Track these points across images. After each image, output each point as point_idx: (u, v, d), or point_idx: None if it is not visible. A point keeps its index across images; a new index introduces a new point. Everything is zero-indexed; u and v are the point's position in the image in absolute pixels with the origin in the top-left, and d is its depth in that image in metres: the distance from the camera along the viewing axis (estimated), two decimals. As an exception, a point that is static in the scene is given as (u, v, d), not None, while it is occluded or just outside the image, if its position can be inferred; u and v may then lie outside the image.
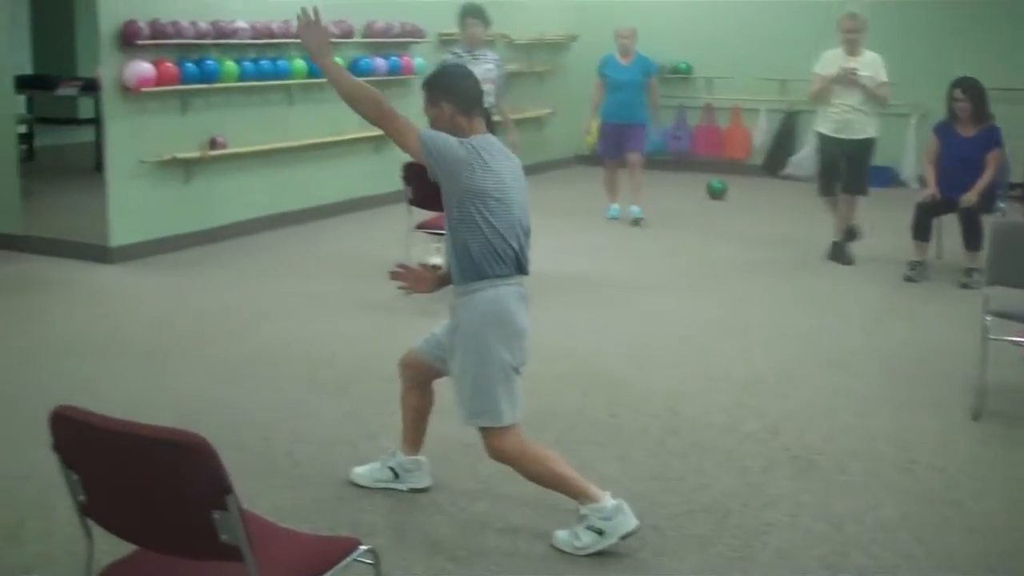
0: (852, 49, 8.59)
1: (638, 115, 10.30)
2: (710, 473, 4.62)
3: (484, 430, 3.95)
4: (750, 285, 7.95)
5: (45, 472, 4.33)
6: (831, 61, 8.62)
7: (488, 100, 8.27)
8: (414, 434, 4.39)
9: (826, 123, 8.71)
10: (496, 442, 3.94)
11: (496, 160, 3.85)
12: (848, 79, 8.41)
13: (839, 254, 8.72)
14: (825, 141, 8.76)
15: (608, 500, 3.93)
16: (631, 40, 10.39)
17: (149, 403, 5.34)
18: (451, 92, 3.96)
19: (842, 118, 8.55)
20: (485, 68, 8.05)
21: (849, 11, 8.63)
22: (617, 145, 10.34)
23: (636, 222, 10.08)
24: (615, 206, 10.43)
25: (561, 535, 3.96)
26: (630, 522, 3.90)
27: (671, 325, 6.87)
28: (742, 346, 6.41)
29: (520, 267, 3.93)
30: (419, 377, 4.26)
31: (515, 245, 3.88)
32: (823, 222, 10.42)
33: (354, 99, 3.95)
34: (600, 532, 3.89)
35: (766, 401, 5.51)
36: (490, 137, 3.97)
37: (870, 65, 8.51)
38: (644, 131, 10.37)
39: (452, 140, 3.83)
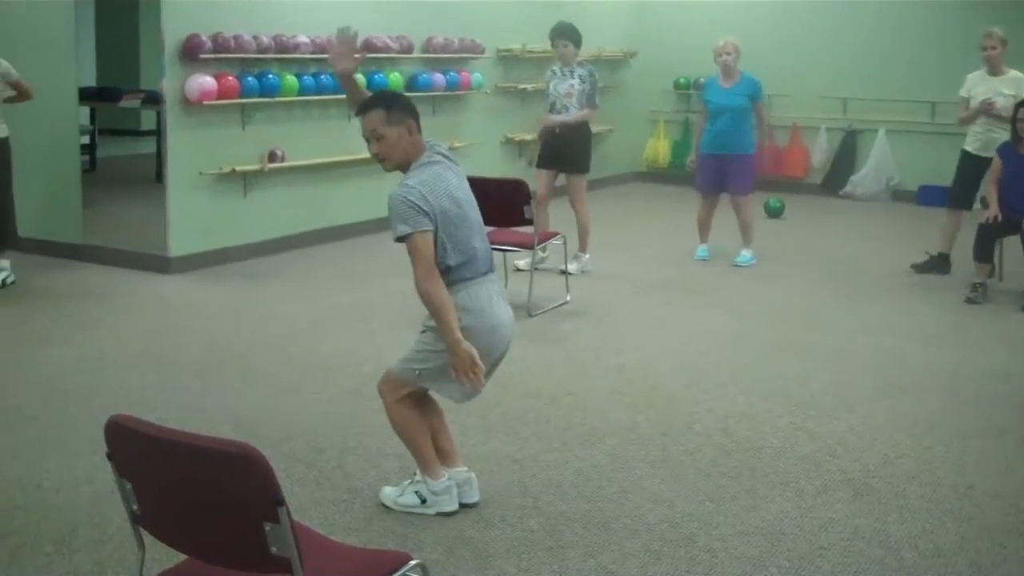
0: (993, 68, 8.61)
1: (741, 145, 9.05)
2: (763, 495, 4.56)
3: (385, 372, 4.31)
4: (807, 305, 7.86)
5: (100, 480, 4.39)
6: (974, 83, 8.69)
7: (569, 112, 8.66)
8: (440, 445, 4.42)
9: (973, 142, 8.75)
10: (390, 386, 4.27)
11: (440, 179, 4.08)
12: (986, 110, 8.48)
13: (944, 265, 8.83)
14: (967, 158, 8.77)
15: (444, 481, 4.29)
16: (733, 57, 9.06)
17: (202, 414, 5.38)
18: (411, 111, 4.13)
19: (986, 136, 8.57)
20: (568, 84, 8.66)
21: (987, 30, 8.66)
22: (716, 180, 9.12)
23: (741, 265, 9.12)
24: (703, 247, 9.37)
25: (388, 490, 4.43)
26: (453, 504, 4.32)
27: (725, 343, 6.81)
28: (798, 367, 6.34)
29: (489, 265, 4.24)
30: (413, 396, 4.33)
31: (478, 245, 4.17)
32: (882, 242, 10.33)
33: (446, 310, 4.10)
34: (423, 501, 4.32)
35: (822, 423, 5.44)
36: (433, 147, 4.20)
37: (1013, 84, 8.50)
38: (750, 165, 9.13)
39: (400, 197, 4.00)
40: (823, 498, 4.55)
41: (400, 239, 4.02)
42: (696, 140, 9.38)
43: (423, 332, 4.25)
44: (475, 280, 4.15)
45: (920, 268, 8.90)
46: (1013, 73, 8.58)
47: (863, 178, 12.95)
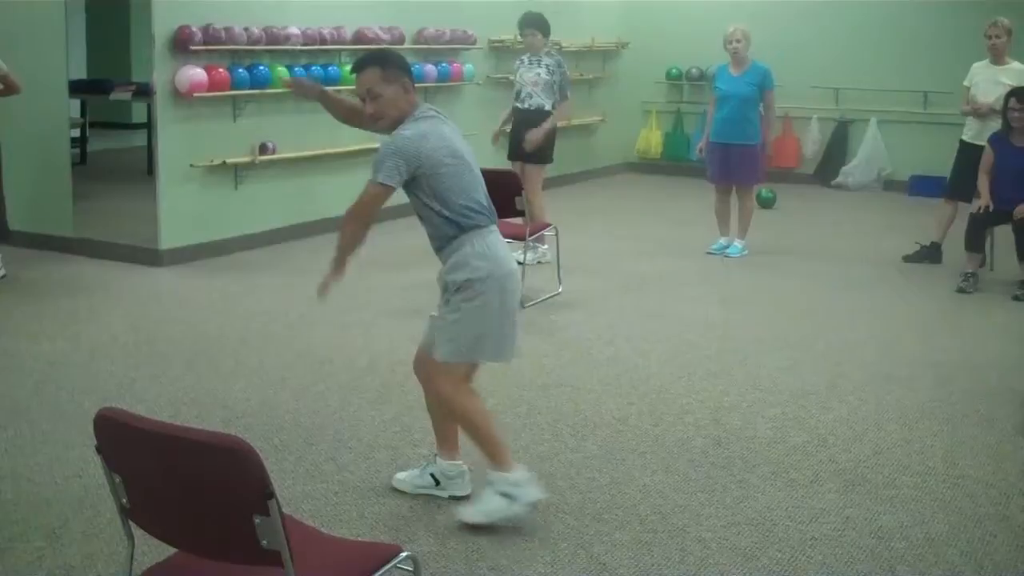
0: (997, 58, 8.64)
1: (747, 135, 8.93)
2: (755, 485, 4.57)
3: (435, 367, 4.16)
4: (798, 295, 7.87)
5: (91, 473, 4.39)
6: (977, 73, 8.71)
7: (533, 101, 8.52)
8: (445, 433, 4.40)
9: (968, 131, 8.79)
10: (442, 379, 4.16)
11: (436, 132, 4.10)
12: (983, 112, 8.51)
13: (935, 254, 8.86)
14: (964, 147, 8.78)
15: (519, 472, 4.16)
16: (743, 45, 8.90)
17: (194, 406, 5.38)
18: (406, 69, 4.18)
19: (982, 123, 8.58)
20: (535, 72, 8.58)
21: (993, 18, 8.69)
22: (724, 169, 9.07)
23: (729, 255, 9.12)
24: (721, 240, 9.25)
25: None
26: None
27: (717, 335, 6.81)
28: (789, 357, 6.34)
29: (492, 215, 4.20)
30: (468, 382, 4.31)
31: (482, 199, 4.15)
32: (873, 232, 10.34)
33: (359, 235, 4.38)
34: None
35: (814, 413, 5.45)
36: (426, 106, 4.23)
37: (1014, 75, 8.51)
38: (756, 155, 9.01)
39: (396, 142, 4.05)
40: (814, 488, 4.55)
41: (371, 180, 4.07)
42: (707, 128, 9.28)
43: (446, 307, 4.14)
44: (487, 228, 4.12)
45: (911, 259, 8.92)
46: (1016, 64, 8.61)
47: (855, 168, 12.96)
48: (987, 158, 8.25)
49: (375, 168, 4.03)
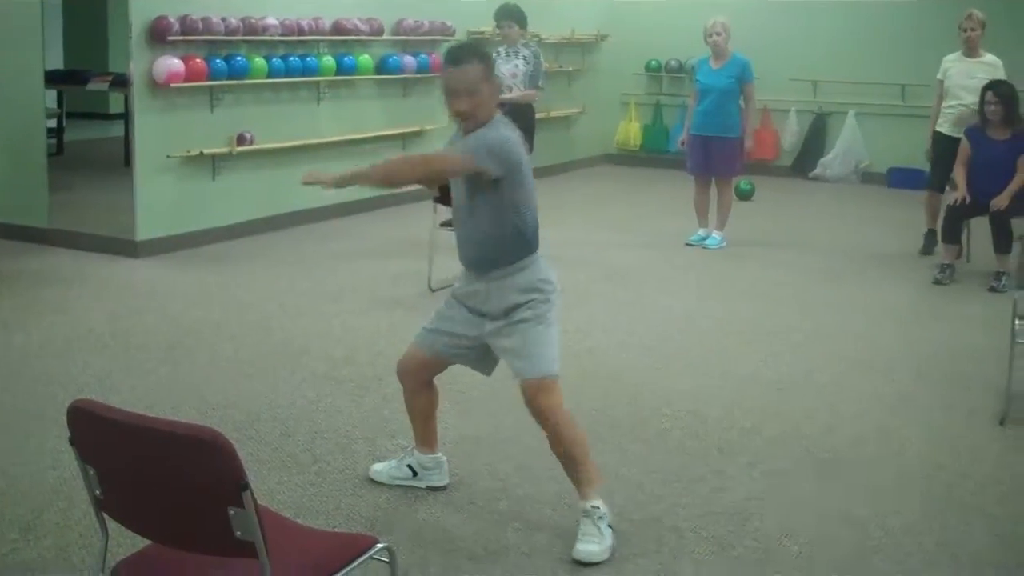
0: (971, 51, 8.66)
1: (727, 127, 8.97)
2: (731, 476, 4.58)
3: (537, 384, 3.90)
4: (776, 287, 7.89)
5: (66, 465, 4.36)
6: (951, 66, 8.74)
7: (512, 93, 8.49)
8: (427, 434, 4.36)
9: (944, 123, 8.78)
10: (548, 395, 3.91)
11: (519, 138, 3.93)
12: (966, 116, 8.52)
13: (932, 241, 8.88)
14: (941, 139, 8.79)
15: (596, 500, 3.97)
16: (723, 37, 8.95)
17: (170, 397, 5.36)
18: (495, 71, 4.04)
19: (957, 115, 8.61)
20: (513, 64, 8.55)
21: (968, 11, 8.71)
22: (704, 161, 9.10)
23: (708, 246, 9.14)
24: (700, 232, 9.28)
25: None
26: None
27: (696, 326, 6.82)
28: (767, 348, 6.36)
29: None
30: (424, 376, 4.24)
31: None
32: (852, 224, 10.39)
33: (411, 177, 4.08)
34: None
35: (791, 403, 5.46)
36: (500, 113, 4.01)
37: (988, 68, 8.53)
38: (736, 148, 9.04)
39: (500, 135, 3.83)
40: (791, 478, 4.57)
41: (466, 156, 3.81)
42: (687, 121, 9.32)
43: (517, 324, 3.90)
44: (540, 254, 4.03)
45: (924, 250, 8.92)
46: (989, 57, 8.63)
47: (833, 160, 13.00)
48: (964, 150, 8.28)
49: (472, 151, 3.78)
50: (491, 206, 3.87)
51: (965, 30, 8.63)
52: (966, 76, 8.49)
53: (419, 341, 4.19)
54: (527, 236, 3.92)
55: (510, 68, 8.55)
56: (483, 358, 4.13)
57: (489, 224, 3.89)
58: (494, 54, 8.73)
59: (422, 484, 4.36)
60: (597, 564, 3.81)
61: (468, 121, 3.84)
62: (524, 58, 8.58)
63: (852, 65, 12.71)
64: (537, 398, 3.89)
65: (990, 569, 3.85)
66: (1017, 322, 5.26)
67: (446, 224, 7.49)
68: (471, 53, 3.88)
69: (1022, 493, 4.49)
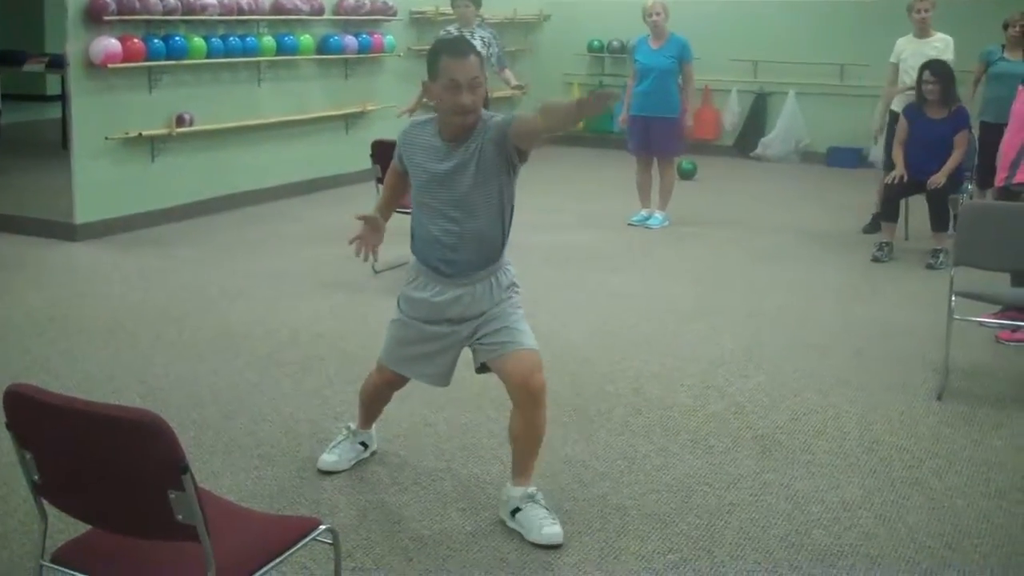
0: (923, 32, 8.71)
1: (667, 107, 8.99)
2: (674, 453, 4.62)
3: (536, 358, 3.88)
4: (718, 266, 7.95)
5: (4, 451, 4.29)
6: (903, 48, 8.77)
7: None
8: (372, 418, 4.46)
9: (899, 103, 8.78)
10: (541, 374, 3.88)
11: None
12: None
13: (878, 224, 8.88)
14: (895, 119, 8.74)
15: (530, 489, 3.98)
16: (662, 18, 8.98)
17: (111, 382, 5.31)
18: None
19: (910, 95, 8.60)
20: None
21: None
22: (645, 141, 9.15)
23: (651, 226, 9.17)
24: (643, 212, 9.33)
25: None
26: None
27: (637, 305, 6.86)
28: (709, 327, 6.41)
29: None
30: (396, 387, 4.30)
31: None
32: (792, 203, 10.49)
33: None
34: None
35: (732, 381, 5.51)
36: None
37: (942, 46, 8.58)
38: (676, 128, 9.09)
39: None
40: (732, 455, 4.61)
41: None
42: (627, 100, 9.32)
43: (506, 305, 3.94)
44: None
45: (868, 229, 9.00)
46: (940, 35, 8.69)
47: (773, 140, 13.10)
48: (901, 129, 8.37)
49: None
50: (497, 199, 3.83)
51: (919, 11, 8.66)
52: (920, 57, 8.53)
53: (388, 366, 4.14)
54: (507, 236, 3.94)
55: None
56: (449, 372, 4.08)
57: (489, 219, 3.84)
58: (443, 33, 8.64)
59: (372, 449, 4.47)
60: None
61: (471, 115, 3.73)
62: (482, 39, 8.54)
63: (792, 45, 12.80)
64: (535, 375, 3.83)
65: (928, 540, 3.91)
66: (953, 299, 5.34)
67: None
68: (469, 46, 3.80)
69: (959, 466, 4.57)
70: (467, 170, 3.78)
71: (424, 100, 8.87)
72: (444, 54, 3.74)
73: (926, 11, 8.62)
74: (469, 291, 3.88)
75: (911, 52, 8.67)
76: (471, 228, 3.83)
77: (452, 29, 8.64)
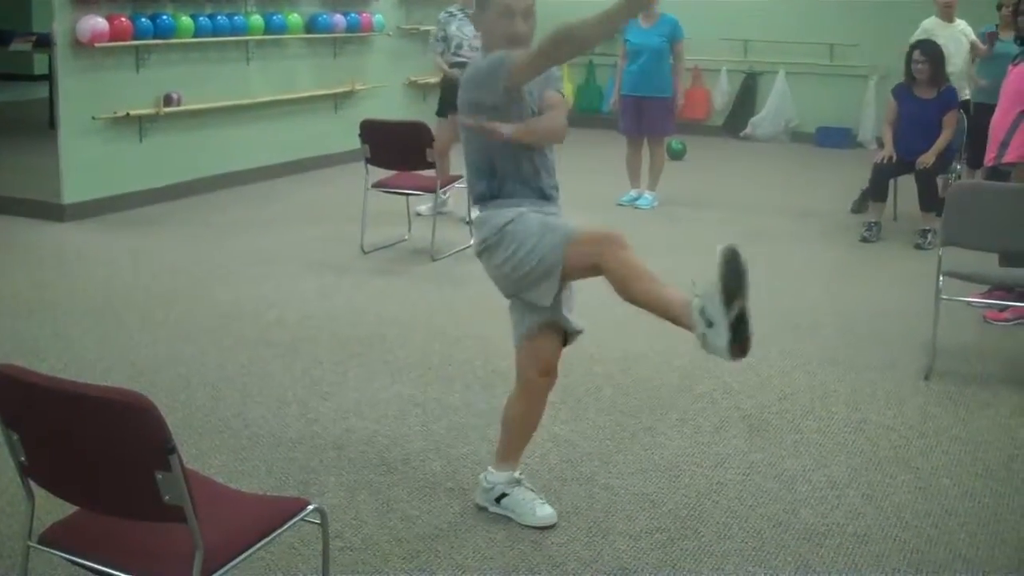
0: (949, 15, 8.82)
1: (659, 87, 8.98)
2: (662, 432, 4.63)
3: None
4: (707, 245, 7.90)
5: (-9, 432, 4.29)
6: (934, 31, 8.76)
7: (478, 54, 8.29)
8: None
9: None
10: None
11: None
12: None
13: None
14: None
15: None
16: None
17: (99, 363, 5.30)
18: None
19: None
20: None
21: None
22: (637, 122, 9.13)
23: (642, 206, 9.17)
24: (632, 192, 9.33)
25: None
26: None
27: (628, 285, 6.85)
28: (698, 306, 6.40)
29: None
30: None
31: None
32: (781, 182, 10.49)
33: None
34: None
35: (719, 362, 5.43)
36: None
37: (967, 32, 8.78)
38: (669, 107, 9.09)
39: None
40: (720, 435, 4.63)
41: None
42: (618, 81, 9.31)
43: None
44: None
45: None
46: (961, 22, 8.84)
47: (763, 120, 13.09)
48: (891, 109, 8.38)
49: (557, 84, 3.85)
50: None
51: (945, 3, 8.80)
52: (956, 43, 8.62)
53: (547, 323, 3.82)
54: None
55: (474, 29, 8.34)
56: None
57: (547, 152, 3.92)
58: (444, 15, 8.48)
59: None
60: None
61: (523, 45, 3.58)
62: None
63: (782, 25, 12.77)
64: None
65: (915, 519, 3.93)
66: (941, 278, 5.35)
67: (378, 185, 7.48)
68: None
69: (945, 446, 4.58)
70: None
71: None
72: None
73: (946, 3, 8.76)
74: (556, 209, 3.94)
75: (948, 37, 8.64)
76: (549, 152, 3.97)
77: (454, 9, 8.45)
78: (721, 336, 3.30)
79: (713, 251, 3.26)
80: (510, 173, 3.74)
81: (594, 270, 3.61)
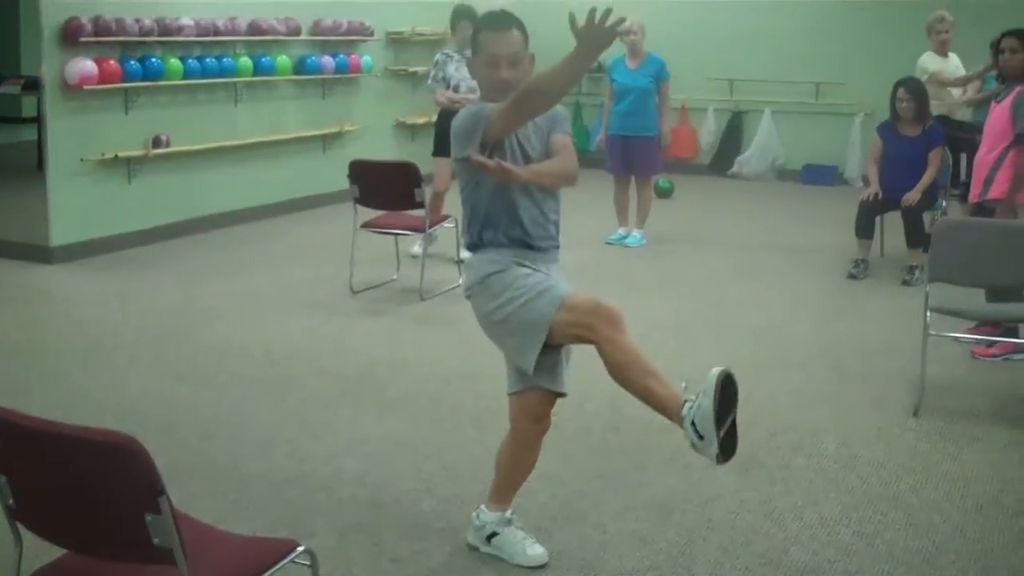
0: (944, 51, 9.03)
1: (646, 126, 9.05)
2: (652, 470, 4.63)
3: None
4: (695, 283, 7.97)
5: (-21, 475, 4.27)
6: (935, 66, 8.94)
7: (476, 95, 8.28)
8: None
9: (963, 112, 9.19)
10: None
11: None
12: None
13: None
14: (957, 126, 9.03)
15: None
16: (639, 37, 9.00)
17: (88, 404, 5.28)
18: None
19: (948, 109, 8.91)
20: None
21: (938, 14, 9.07)
22: (624, 161, 9.17)
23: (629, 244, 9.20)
24: (620, 231, 9.35)
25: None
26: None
27: (617, 323, 6.86)
28: (686, 343, 6.42)
29: None
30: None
31: None
32: (768, 220, 10.54)
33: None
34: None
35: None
36: None
37: (956, 66, 9.05)
38: (655, 146, 9.14)
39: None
40: (710, 472, 4.61)
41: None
42: (605, 120, 9.37)
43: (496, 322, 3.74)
44: None
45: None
46: (954, 56, 9.08)
47: (749, 158, 13.15)
48: (875, 147, 8.43)
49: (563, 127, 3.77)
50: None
51: (939, 32, 9.00)
52: (958, 74, 8.93)
53: (546, 379, 3.77)
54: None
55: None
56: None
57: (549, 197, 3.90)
58: (441, 56, 8.50)
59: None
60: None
61: (510, 92, 3.52)
62: None
63: (768, 64, 12.86)
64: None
65: (906, 556, 3.93)
66: (929, 314, 5.37)
67: (367, 225, 7.49)
68: (512, 20, 3.68)
69: (935, 481, 4.59)
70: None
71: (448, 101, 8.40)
72: (484, 28, 3.66)
73: (946, 32, 8.98)
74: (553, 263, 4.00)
75: (951, 71, 8.95)
76: (543, 201, 3.95)
77: (450, 51, 8.48)
78: (711, 447, 3.37)
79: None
80: (491, 221, 3.76)
81: (583, 341, 3.66)
